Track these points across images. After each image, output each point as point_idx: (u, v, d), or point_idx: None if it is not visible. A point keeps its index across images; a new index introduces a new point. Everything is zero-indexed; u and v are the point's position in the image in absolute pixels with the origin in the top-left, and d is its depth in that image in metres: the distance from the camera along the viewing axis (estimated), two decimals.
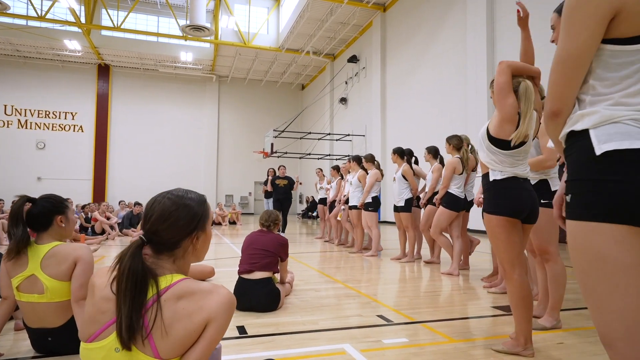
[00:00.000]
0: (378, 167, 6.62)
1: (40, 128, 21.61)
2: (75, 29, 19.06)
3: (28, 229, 2.19)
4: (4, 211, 10.52)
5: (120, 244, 8.77)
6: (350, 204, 7.02)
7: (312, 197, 21.20)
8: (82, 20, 18.12)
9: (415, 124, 13.92)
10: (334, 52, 20.81)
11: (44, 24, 18.32)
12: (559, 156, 2.74)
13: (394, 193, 6.06)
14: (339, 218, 7.98)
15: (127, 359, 1.04)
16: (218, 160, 24.38)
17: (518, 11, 2.34)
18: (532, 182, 2.78)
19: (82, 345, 1.10)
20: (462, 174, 4.93)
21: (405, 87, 14.78)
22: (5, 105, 21.13)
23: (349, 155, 17.11)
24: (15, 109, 21.33)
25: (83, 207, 10.96)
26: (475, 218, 5.99)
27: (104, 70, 22.46)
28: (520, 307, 2.23)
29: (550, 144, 2.63)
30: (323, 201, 9.56)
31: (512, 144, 2.12)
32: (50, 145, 21.63)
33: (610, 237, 0.98)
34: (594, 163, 1.01)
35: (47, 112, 21.73)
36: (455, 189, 4.90)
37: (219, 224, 14.47)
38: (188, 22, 16.52)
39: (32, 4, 17.05)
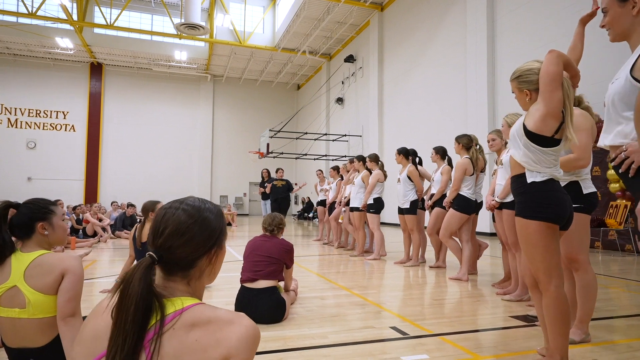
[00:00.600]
0: (382, 167, 6.40)
1: (30, 127, 21.17)
2: (67, 26, 18.69)
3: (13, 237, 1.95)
4: None
5: (112, 246, 8.48)
6: (351, 206, 6.81)
7: (308, 198, 20.98)
8: (74, 17, 17.75)
9: (413, 125, 13.75)
10: (331, 52, 20.61)
11: (34, 21, 17.94)
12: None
13: (399, 194, 5.85)
14: (340, 220, 7.76)
15: None
16: (212, 161, 24.08)
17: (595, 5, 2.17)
18: (562, 184, 2.57)
19: None
20: (472, 175, 4.73)
21: (403, 87, 14.60)
22: None
23: (345, 156, 16.94)
24: (5, 108, 20.87)
25: (74, 208, 10.63)
26: (483, 221, 5.80)
27: (96, 69, 22.08)
28: (557, 321, 2.02)
29: (583, 140, 2.42)
30: (322, 203, 9.34)
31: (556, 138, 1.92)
32: (41, 144, 21.20)
33: None
34: None
35: (38, 111, 21.30)
36: (466, 191, 4.70)
37: None
38: (183, 21, 16.22)
39: (22, 1, 16.67)
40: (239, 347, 0.86)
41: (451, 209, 4.77)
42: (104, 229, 9.58)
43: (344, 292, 4.07)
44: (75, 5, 17.89)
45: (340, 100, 19.56)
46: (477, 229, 5.98)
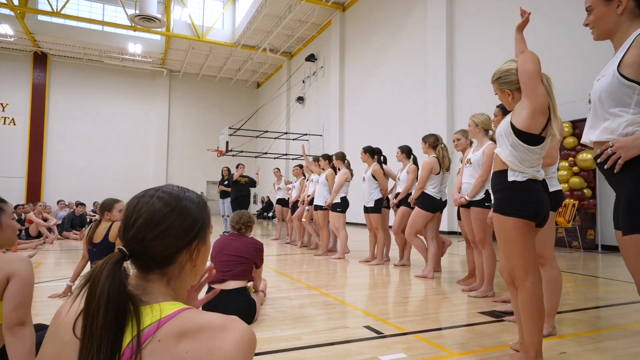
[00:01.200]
0: (348, 166, 6.38)
1: None
2: (6, 11, 17.34)
3: None
4: None
5: (59, 248, 7.93)
6: (315, 204, 6.74)
7: (268, 197, 20.72)
8: (15, 2, 16.49)
9: (374, 125, 13.91)
10: (292, 51, 20.47)
11: None
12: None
13: (363, 193, 5.85)
14: (303, 219, 7.68)
15: None
16: (168, 159, 23.25)
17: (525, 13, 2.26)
18: None
19: None
20: (438, 173, 4.79)
21: (364, 87, 14.74)
22: None
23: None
24: None
25: (16, 207, 9.85)
26: (446, 219, 5.91)
27: (40, 59, 20.67)
28: (533, 317, 2.05)
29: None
30: (281, 201, 9.22)
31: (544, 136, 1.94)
32: None
33: None
34: None
35: None
36: (431, 189, 4.76)
37: None
38: (137, 12, 15.51)
39: None
40: (235, 355, 0.75)
41: (416, 207, 4.81)
42: (49, 230, 8.94)
43: (312, 292, 3.99)
44: None
45: (301, 99, 19.47)
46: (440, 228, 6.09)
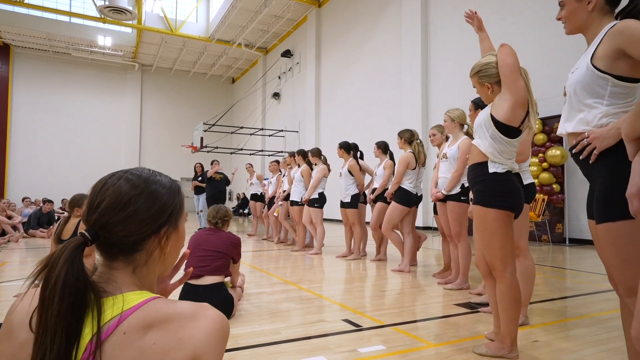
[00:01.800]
0: (325, 162, 6.38)
1: None
2: None
3: None
4: None
5: (25, 246, 7.61)
6: (291, 199, 6.71)
7: (243, 194, 20.53)
8: None
9: (350, 120, 13.97)
10: (267, 46, 20.29)
11: None
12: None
13: (340, 189, 5.86)
14: (275, 214, 7.64)
15: None
16: (140, 155, 22.69)
17: (469, 15, 2.43)
18: None
19: None
20: (414, 168, 4.84)
21: (340, 83, 14.77)
22: None
23: (282, 151, 16.79)
24: None
25: None
26: (420, 214, 5.99)
27: (2, 50, 19.77)
28: (511, 307, 2.10)
29: (524, 137, 2.55)
30: (254, 197, 9.16)
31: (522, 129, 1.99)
32: None
33: None
34: None
35: None
36: (407, 184, 4.81)
37: None
38: (107, 3, 15.03)
39: None
40: (206, 344, 0.72)
41: (393, 201, 4.85)
42: (14, 228, 8.57)
43: (290, 287, 3.97)
44: None
45: (276, 95, 19.34)
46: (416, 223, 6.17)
